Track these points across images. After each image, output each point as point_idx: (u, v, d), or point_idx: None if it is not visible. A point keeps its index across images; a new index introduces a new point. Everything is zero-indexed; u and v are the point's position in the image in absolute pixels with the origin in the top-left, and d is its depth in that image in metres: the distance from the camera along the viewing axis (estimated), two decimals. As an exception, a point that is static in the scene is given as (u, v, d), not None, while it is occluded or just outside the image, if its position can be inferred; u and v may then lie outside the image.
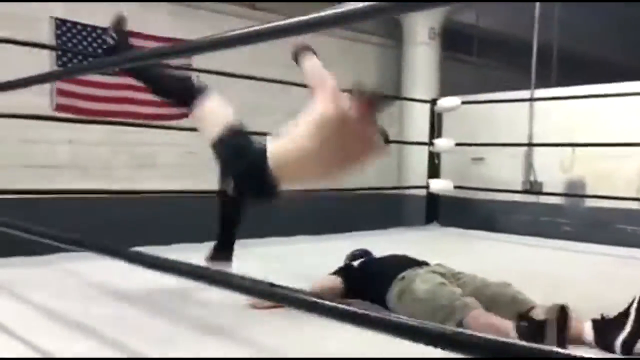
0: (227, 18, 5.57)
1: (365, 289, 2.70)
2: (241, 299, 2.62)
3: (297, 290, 1.23)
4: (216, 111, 2.69)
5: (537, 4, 6.14)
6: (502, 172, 6.09)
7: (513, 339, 2.02)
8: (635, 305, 2.17)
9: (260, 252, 4.35)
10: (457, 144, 5.59)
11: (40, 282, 3.28)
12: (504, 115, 6.09)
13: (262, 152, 2.50)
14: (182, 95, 2.75)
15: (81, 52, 4.59)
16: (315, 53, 2.79)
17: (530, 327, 2.10)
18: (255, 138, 2.77)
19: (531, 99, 6.01)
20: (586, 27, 7.55)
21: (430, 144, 5.67)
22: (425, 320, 1.05)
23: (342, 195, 5.71)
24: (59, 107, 4.51)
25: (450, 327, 1.05)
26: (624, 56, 8.10)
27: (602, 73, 6.30)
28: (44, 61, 4.43)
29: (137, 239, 3.80)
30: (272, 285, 1.27)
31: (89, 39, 4.66)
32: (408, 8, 1.25)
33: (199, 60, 4.83)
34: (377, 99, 2.47)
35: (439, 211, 6.22)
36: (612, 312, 2.25)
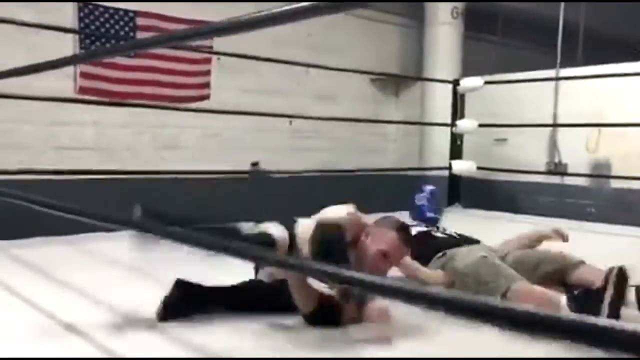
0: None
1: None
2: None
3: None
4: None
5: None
6: (526, 153, 6.02)
7: (563, 309, 2.01)
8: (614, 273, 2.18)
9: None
10: (480, 125, 5.53)
11: (70, 261, 3.35)
12: (527, 95, 5.99)
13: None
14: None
15: (102, 35, 4.63)
16: None
17: (587, 296, 2.07)
18: None
19: (556, 78, 5.91)
20: (613, 5, 7.36)
21: (453, 125, 5.61)
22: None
23: (363, 176, 5.71)
24: (82, 90, 4.56)
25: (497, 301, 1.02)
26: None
27: (629, 52, 6.15)
28: (68, 44, 4.48)
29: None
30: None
31: (112, 21, 4.69)
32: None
33: (219, 43, 4.84)
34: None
35: (461, 193, 6.17)
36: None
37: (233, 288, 2.38)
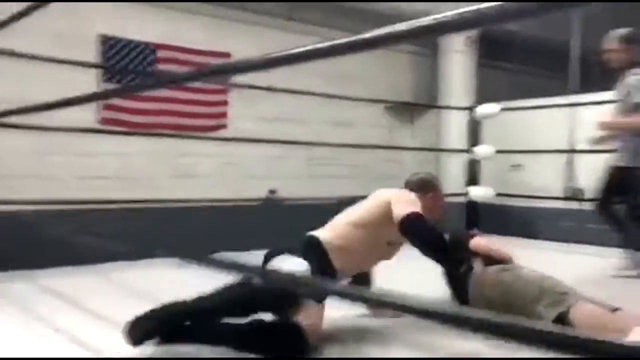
0: (263, 30, 5.67)
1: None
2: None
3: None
4: None
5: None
6: (542, 179, 6.00)
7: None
8: None
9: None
10: (498, 151, 5.54)
11: (97, 291, 3.38)
12: (543, 121, 6.00)
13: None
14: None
15: (124, 69, 4.74)
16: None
17: None
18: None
19: (571, 104, 5.92)
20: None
21: (469, 151, 5.63)
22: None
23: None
24: (104, 121, 4.66)
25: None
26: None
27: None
28: (91, 77, 4.60)
29: (182, 246, 3.89)
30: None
31: (133, 54, 4.81)
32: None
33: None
34: None
35: (480, 218, 6.16)
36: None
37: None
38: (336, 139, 5.76)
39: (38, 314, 2.81)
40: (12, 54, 3.54)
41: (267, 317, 2.26)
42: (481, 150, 5.52)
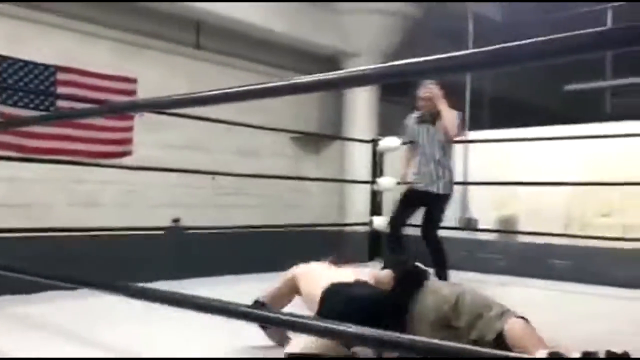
0: (171, 57, 5.62)
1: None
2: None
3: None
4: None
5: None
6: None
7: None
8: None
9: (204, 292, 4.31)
10: (399, 183, 5.78)
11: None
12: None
13: None
14: None
15: (21, 89, 4.51)
16: None
17: None
18: None
19: (465, 141, 6.33)
20: (514, 75, 8.03)
21: (372, 182, 5.83)
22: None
23: (284, 232, 5.77)
24: (1, 145, 4.39)
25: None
26: (550, 100, 8.65)
27: (528, 116, 6.71)
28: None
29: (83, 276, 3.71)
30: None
31: (31, 76, 4.59)
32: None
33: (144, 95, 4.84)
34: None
35: (382, 247, 6.36)
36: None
37: None
38: (242, 168, 5.78)
39: None
40: None
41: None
42: (383, 181, 5.73)
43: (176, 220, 5.46)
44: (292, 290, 2.81)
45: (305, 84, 1.38)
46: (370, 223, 5.69)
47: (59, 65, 4.76)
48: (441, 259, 4.56)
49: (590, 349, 2.31)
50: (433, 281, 2.60)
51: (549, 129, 5.70)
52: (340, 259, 3.02)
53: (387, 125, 6.93)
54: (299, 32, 6.25)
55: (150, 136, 5.34)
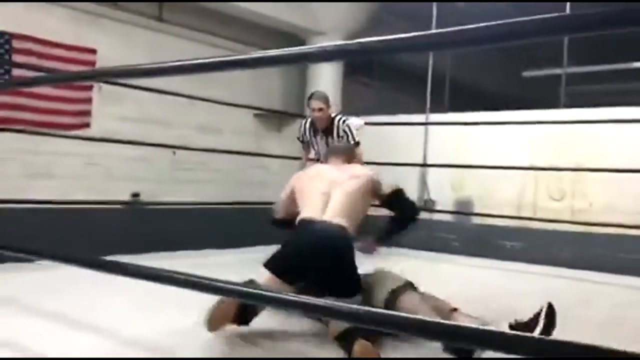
0: (133, 29, 5.51)
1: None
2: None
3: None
4: None
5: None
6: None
7: None
8: (544, 310, 2.48)
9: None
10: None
11: None
12: (400, 136, 6.46)
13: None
14: None
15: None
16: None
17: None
18: None
19: (425, 123, 6.44)
20: (474, 60, 8.17)
21: (333, 161, 5.88)
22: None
23: (245, 209, 5.78)
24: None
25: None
26: (508, 86, 8.85)
27: (486, 101, 6.86)
28: None
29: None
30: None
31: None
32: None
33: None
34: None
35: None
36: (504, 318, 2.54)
37: None
38: (203, 143, 5.74)
39: None
40: None
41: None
42: (344, 161, 5.79)
43: (136, 195, 5.40)
44: (293, 200, 2.97)
45: (267, 58, 1.40)
46: (330, 201, 5.75)
47: (14, 33, 4.61)
48: None
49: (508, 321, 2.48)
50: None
51: (506, 113, 5.86)
52: None
53: (351, 104, 6.97)
54: (264, 9, 6.20)
55: (109, 109, 5.25)
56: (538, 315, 2.49)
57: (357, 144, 4.54)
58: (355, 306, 1.29)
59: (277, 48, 1.43)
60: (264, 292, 1.58)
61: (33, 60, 4.63)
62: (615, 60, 7.59)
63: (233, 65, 1.51)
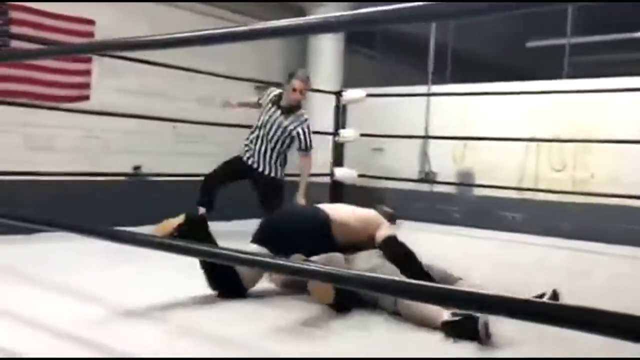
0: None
1: None
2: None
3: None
4: None
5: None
6: (401, 163, 6.44)
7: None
8: (549, 295, 2.48)
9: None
10: (362, 135, 5.83)
11: None
12: (402, 108, 6.42)
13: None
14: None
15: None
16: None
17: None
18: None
19: (428, 94, 6.39)
20: (477, 30, 8.07)
21: (335, 133, 5.86)
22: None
23: (246, 182, 5.78)
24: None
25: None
26: (507, 58, 8.75)
27: (489, 72, 6.80)
28: None
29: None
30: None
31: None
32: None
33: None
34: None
35: (342, 198, 6.45)
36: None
37: None
38: (204, 116, 5.71)
39: None
40: None
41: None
42: (347, 133, 5.78)
43: (137, 168, 5.41)
44: None
45: (269, 29, 1.38)
46: (332, 174, 5.75)
47: (12, 4, 4.56)
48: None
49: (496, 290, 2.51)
50: None
51: (509, 84, 5.81)
52: None
53: (352, 77, 6.92)
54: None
55: (109, 81, 5.22)
56: (541, 297, 2.48)
57: (308, 148, 4.44)
58: (362, 272, 1.30)
59: (278, 19, 1.40)
60: (261, 258, 1.59)
61: (31, 31, 4.59)
62: (620, 29, 7.50)
63: (234, 37, 1.49)
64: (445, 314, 2.29)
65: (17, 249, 3.77)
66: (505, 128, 5.72)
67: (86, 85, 5.07)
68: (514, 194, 5.67)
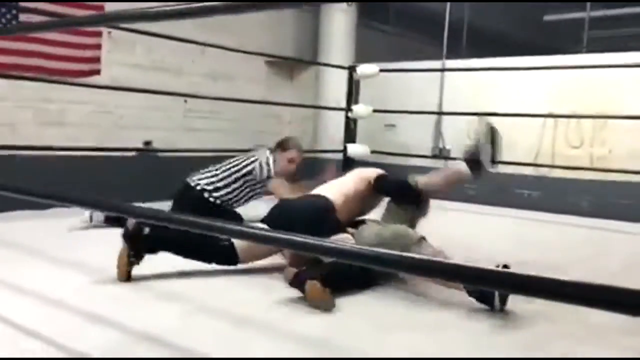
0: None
1: None
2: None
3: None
4: None
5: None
6: (413, 139, 6.35)
7: None
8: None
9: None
10: (375, 111, 5.74)
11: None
12: (415, 83, 6.31)
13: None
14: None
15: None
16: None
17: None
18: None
19: (442, 69, 6.27)
20: (493, 3, 7.90)
21: (348, 109, 5.78)
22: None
23: (259, 158, 5.73)
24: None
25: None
26: (524, 32, 8.58)
27: (506, 47, 6.65)
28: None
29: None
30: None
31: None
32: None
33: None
34: None
35: (354, 175, 6.39)
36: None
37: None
38: (215, 91, 5.65)
39: None
40: None
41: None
42: (359, 109, 5.69)
43: (148, 143, 5.37)
44: None
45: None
46: (344, 150, 5.68)
47: (20, -23, 4.48)
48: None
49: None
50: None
51: (525, 59, 5.67)
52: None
53: (365, 51, 6.80)
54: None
55: (119, 56, 5.16)
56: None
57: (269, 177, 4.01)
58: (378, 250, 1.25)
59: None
60: (264, 233, 1.56)
61: (39, 4, 4.52)
62: (641, 3, 7.31)
63: (243, 7, 1.42)
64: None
65: (32, 224, 3.75)
66: (522, 104, 5.60)
67: (97, 60, 5.01)
68: (530, 171, 5.58)
